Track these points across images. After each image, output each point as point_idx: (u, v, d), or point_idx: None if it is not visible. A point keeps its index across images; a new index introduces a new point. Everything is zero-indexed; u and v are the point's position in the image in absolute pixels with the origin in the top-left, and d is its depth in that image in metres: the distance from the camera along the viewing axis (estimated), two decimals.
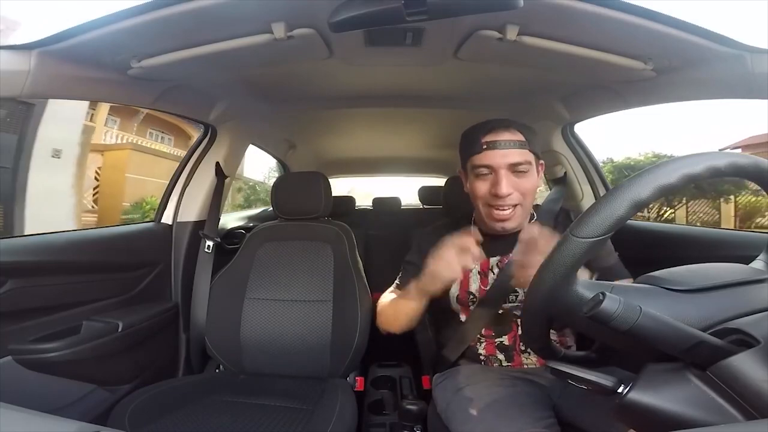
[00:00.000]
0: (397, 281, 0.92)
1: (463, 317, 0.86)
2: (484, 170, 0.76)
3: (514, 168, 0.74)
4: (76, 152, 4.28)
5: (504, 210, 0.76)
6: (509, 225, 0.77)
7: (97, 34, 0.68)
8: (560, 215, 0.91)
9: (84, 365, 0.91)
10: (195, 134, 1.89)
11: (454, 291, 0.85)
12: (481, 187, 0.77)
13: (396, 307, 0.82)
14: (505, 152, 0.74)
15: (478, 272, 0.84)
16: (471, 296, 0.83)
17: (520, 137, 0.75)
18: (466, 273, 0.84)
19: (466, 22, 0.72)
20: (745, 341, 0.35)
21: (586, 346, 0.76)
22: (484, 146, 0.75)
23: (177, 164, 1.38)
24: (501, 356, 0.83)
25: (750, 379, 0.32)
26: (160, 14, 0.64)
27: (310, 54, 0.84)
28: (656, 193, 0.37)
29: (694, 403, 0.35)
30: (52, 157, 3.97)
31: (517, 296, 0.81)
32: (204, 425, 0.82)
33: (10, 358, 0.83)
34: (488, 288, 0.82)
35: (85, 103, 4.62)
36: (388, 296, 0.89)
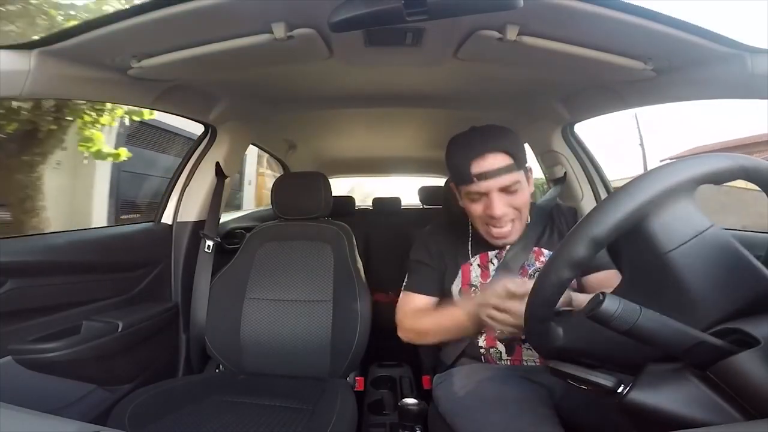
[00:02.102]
0: (405, 282, 0.93)
1: None
2: (477, 196, 0.79)
3: (505, 190, 0.77)
4: (254, 180, 7.77)
5: (502, 228, 0.80)
6: (510, 239, 0.82)
7: (97, 34, 0.68)
8: (554, 211, 0.95)
9: (84, 365, 0.91)
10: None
11: (457, 284, 0.88)
12: (477, 209, 0.80)
13: (445, 325, 0.80)
14: (496, 180, 0.76)
15: (478, 265, 0.88)
16: (473, 288, 0.87)
17: (507, 160, 0.76)
18: (467, 266, 0.88)
19: (466, 22, 0.72)
20: (745, 341, 0.35)
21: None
22: (475, 178, 0.76)
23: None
24: (501, 347, 0.83)
25: (750, 379, 0.32)
26: (160, 14, 0.64)
27: (310, 54, 0.84)
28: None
29: (694, 403, 0.35)
30: (248, 184, 7.48)
31: None
32: (204, 425, 0.82)
33: (10, 358, 0.83)
34: (489, 279, 0.85)
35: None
36: (419, 313, 0.86)
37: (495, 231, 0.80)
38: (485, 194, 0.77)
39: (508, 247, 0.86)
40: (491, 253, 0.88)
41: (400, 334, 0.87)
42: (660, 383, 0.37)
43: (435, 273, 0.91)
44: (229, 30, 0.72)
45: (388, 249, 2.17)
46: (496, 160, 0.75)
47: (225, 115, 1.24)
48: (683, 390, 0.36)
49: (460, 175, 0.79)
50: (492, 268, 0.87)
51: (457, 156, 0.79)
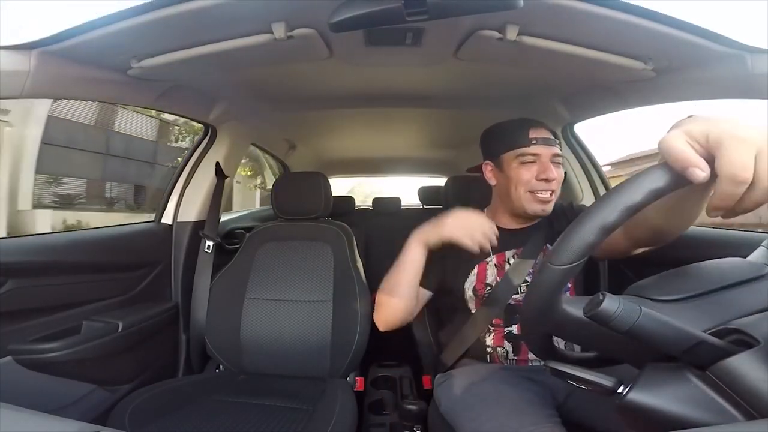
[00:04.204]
0: None
1: (473, 309, 0.87)
2: (531, 158, 0.83)
3: (554, 159, 0.83)
4: None
5: (547, 193, 0.83)
6: (548, 207, 0.84)
7: (97, 34, 0.68)
8: (559, 210, 0.93)
9: (84, 365, 0.91)
10: None
11: (471, 282, 0.87)
12: (526, 174, 0.83)
13: (395, 277, 0.83)
14: (550, 147, 0.83)
15: (495, 265, 0.87)
16: (488, 287, 0.86)
17: (555, 140, 0.85)
18: (483, 265, 0.87)
19: (466, 22, 0.72)
20: (745, 341, 0.35)
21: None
22: (534, 141, 0.83)
23: None
24: (508, 347, 0.83)
25: (750, 379, 0.32)
26: (160, 14, 0.64)
27: (310, 54, 0.84)
28: (624, 214, 0.36)
29: (694, 403, 0.35)
30: None
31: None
32: (204, 425, 0.82)
33: (10, 358, 0.83)
34: (502, 278, 0.84)
35: None
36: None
37: (541, 195, 0.83)
38: (539, 160, 0.82)
39: (522, 248, 0.86)
40: (508, 253, 0.87)
41: (375, 319, 0.88)
42: (660, 383, 0.37)
43: (437, 265, 0.90)
44: (229, 30, 0.72)
45: (388, 249, 2.16)
46: (549, 134, 0.84)
47: (225, 115, 1.24)
48: (683, 390, 0.35)
49: (515, 139, 0.84)
50: (508, 268, 0.86)
51: (512, 125, 0.87)
